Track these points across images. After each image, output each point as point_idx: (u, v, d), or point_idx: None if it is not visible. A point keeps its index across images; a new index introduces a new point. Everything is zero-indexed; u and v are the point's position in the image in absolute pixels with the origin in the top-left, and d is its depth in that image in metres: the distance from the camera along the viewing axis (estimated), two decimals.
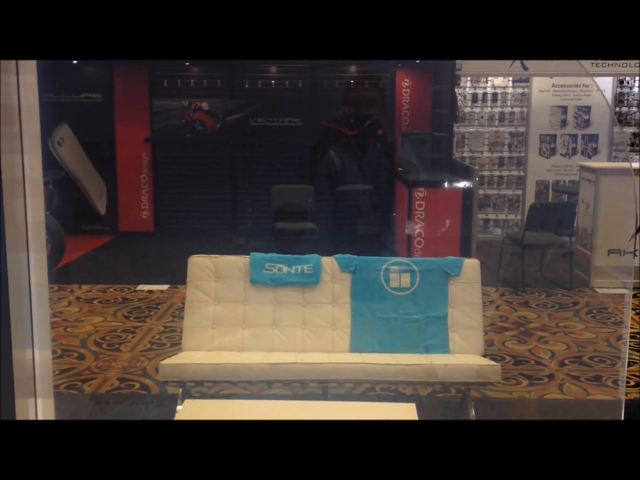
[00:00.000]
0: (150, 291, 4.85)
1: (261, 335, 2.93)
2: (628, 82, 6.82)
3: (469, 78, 6.87)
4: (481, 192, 6.88)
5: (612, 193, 4.98)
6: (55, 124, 6.05)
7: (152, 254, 6.13)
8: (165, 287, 4.90)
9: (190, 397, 2.83)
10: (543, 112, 6.84)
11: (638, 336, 3.72)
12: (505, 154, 7.05)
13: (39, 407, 1.48)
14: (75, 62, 6.23)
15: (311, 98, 6.43)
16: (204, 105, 6.46)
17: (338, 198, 6.10)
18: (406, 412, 2.01)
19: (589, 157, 6.78)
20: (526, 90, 6.92)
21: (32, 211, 1.43)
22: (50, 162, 5.72)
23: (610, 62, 5.78)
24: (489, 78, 7.01)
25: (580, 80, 6.69)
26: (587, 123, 6.82)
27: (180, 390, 2.79)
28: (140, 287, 4.93)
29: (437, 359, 2.80)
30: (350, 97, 6.43)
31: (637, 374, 3.21)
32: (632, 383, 3.12)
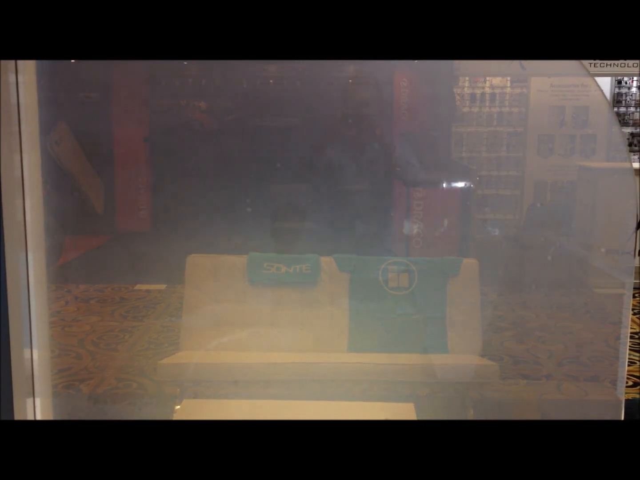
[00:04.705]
0: (148, 291, 4.84)
1: (259, 335, 2.93)
2: (626, 83, 6.83)
3: (467, 78, 6.86)
4: (479, 192, 6.88)
5: (610, 193, 4.97)
6: (53, 124, 6.03)
7: (149, 254, 6.12)
8: (163, 286, 4.89)
9: (189, 396, 2.82)
10: (541, 112, 6.84)
11: (636, 336, 3.72)
12: (504, 154, 7.05)
13: (37, 406, 1.48)
14: (73, 61, 6.22)
15: (310, 98, 6.42)
16: (203, 104, 6.45)
17: (336, 198, 6.09)
18: (405, 411, 2.01)
19: (587, 157, 6.79)
20: (524, 90, 6.92)
21: (31, 211, 1.43)
22: (49, 162, 5.70)
23: (608, 62, 5.78)
24: (487, 78, 7.00)
25: (578, 80, 6.69)
26: (586, 123, 6.83)
27: (179, 389, 2.78)
28: (138, 286, 4.92)
29: (436, 359, 2.80)
30: (349, 96, 6.43)
31: (636, 374, 3.21)
32: (630, 383, 3.13)
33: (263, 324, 2.94)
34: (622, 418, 1.85)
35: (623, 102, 6.85)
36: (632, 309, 3.92)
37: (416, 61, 6.05)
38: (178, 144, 6.74)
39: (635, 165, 5.34)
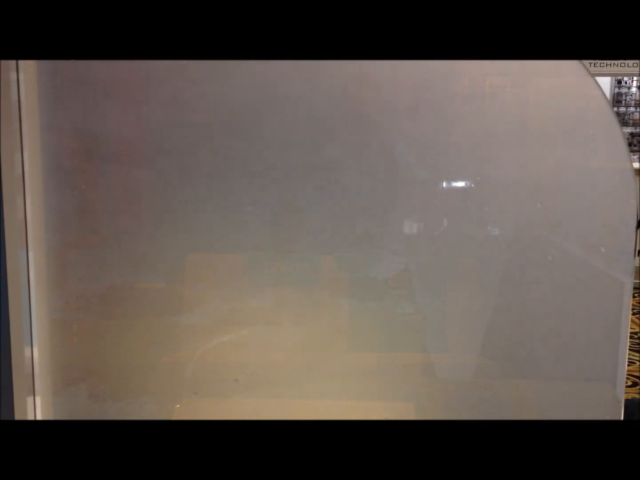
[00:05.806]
0: (148, 289, 4.83)
1: (260, 334, 2.92)
2: (626, 82, 6.83)
3: (467, 77, 6.85)
4: (479, 191, 6.87)
5: (610, 193, 4.96)
6: (53, 122, 6.02)
7: (150, 252, 6.11)
8: (163, 284, 4.88)
9: (189, 395, 2.82)
10: (541, 111, 6.83)
11: (636, 336, 3.72)
12: (503, 154, 7.03)
13: (37, 405, 1.48)
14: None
15: (309, 96, 6.42)
16: (203, 102, 6.45)
17: (337, 196, 6.08)
18: (405, 411, 2.01)
19: (587, 157, 6.78)
20: (524, 89, 6.91)
21: (32, 208, 1.44)
22: (50, 160, 5.69)
23: (608, 62, 5.78)
24: (487, 77, 6.99)
25: (578, 80, 6.69)
26: (585, 123, 6.82)
27: (178, 388, 2.78)
28: (138, 284, 4.91)
29: (436, 358, 2.80)
30: (349, 95, 6.42)
31: (635, 374, 3.21)
32: (630, 383, 3.13)
33: (263, 323, 2.94)
34: (622, 418, 1.85)
35: (623, 102, 6.84)
36: (632, 309, 3.93)
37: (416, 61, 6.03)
38: (178, 142, 6.72)
39: (635, 165, 5.35)
